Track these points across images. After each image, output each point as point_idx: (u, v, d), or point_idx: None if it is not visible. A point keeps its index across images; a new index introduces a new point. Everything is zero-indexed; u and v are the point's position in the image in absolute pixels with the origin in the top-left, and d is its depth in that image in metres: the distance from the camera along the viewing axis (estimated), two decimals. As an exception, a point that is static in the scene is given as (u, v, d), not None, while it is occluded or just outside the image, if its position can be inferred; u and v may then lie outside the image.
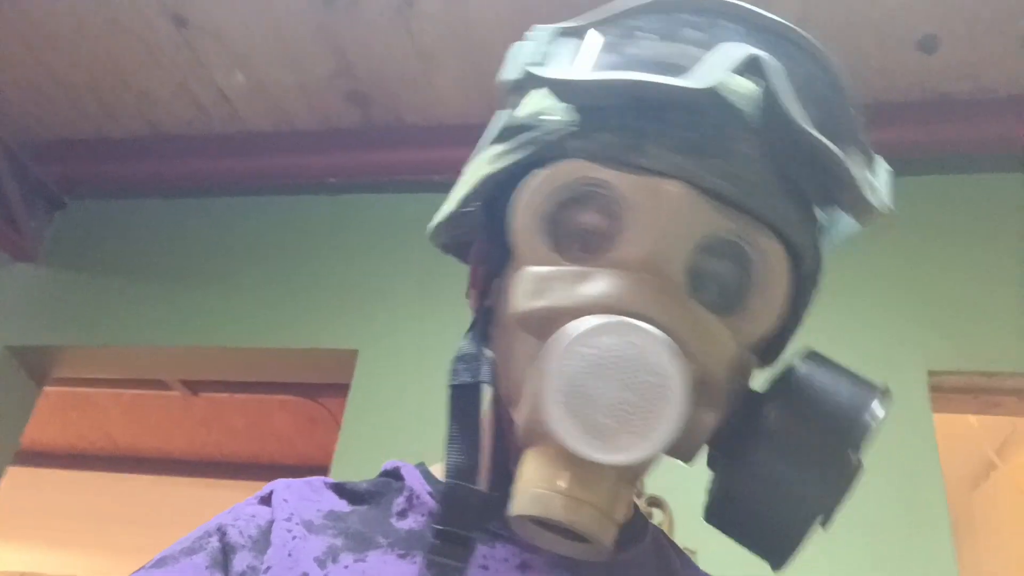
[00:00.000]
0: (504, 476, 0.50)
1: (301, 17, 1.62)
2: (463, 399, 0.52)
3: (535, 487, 0.43)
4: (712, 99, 0.47)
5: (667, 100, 0.47)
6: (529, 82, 0.51)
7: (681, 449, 0.48)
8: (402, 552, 0.51)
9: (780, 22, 0.52)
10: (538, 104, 0.53)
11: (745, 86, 0.49)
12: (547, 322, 0.45)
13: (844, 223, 0.55)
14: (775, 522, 0.46)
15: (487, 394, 0.52)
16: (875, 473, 1.34)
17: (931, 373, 1.44)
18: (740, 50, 0.47)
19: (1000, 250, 1.54)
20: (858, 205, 0.50)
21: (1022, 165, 1.61)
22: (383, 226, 1.85)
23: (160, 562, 0.51)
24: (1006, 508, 2.31)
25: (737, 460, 0.47)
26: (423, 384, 1.61)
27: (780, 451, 0.46)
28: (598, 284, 0.45)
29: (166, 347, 1.84)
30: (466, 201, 0.54)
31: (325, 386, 2.63)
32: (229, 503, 0.58)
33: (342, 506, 0.56)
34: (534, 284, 0.47)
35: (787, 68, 0.50)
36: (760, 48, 0.48)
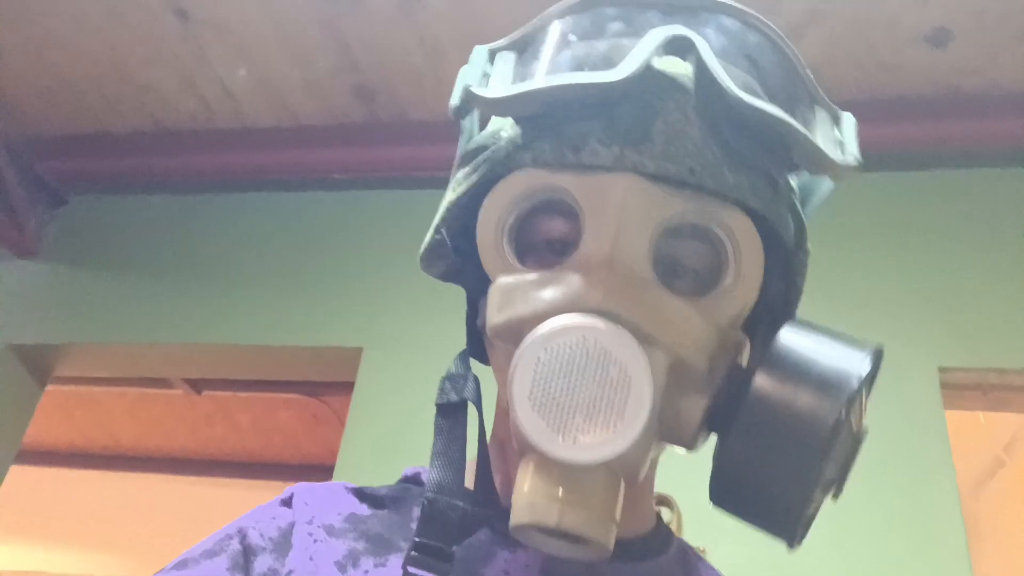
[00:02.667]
0: (492, 491, 0.52)
1: (305, 11, 1.61)
2: (449, 416, 0.52)
3: (527, 496, 0.43)
4: (639, 86, 0.47)
5: (599, 96, 0.47)
6: (469, 103, 0.51)
7: (676, 436, 0.48)
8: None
9: None
10: (496, 123, 0.54)
11: (678, 66, 0.49)
12: (516, 332, 0.46)
13: (822, 182, 0.55)
14: (770, 493, 0.44)
15: (473, 411, 0.53)
16: (887, 470, 1.34)
17: (941, 369, 1.43)
18: (663, 32, 0.47)
19: (1010, 245, 1.53)
20: (815, 162, 0.49)
21: (1034, 160, 1.60)
22: (388, 222, 1.84)
23: (181, 564, 0.50)
24: (1013, 507, 2.30)
25: (726, 436, 0.45)
26: (428, 382, 1.58)
27: (762, 420, 0.44)
28: (558, 287, 0.46)
29: (169, 344, 1.82)
30: (439, 230, 0.55)
31: (329, 384, 2.62)
32: (232, 501, 0.57)
33: (362, 510, 0.56)
34: (501, 296, 0.48)
35: (722, 41, 0.50)
36: (689, 26, 0.48)
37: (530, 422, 0.42)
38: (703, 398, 0.47)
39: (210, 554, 0.51)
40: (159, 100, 1.86)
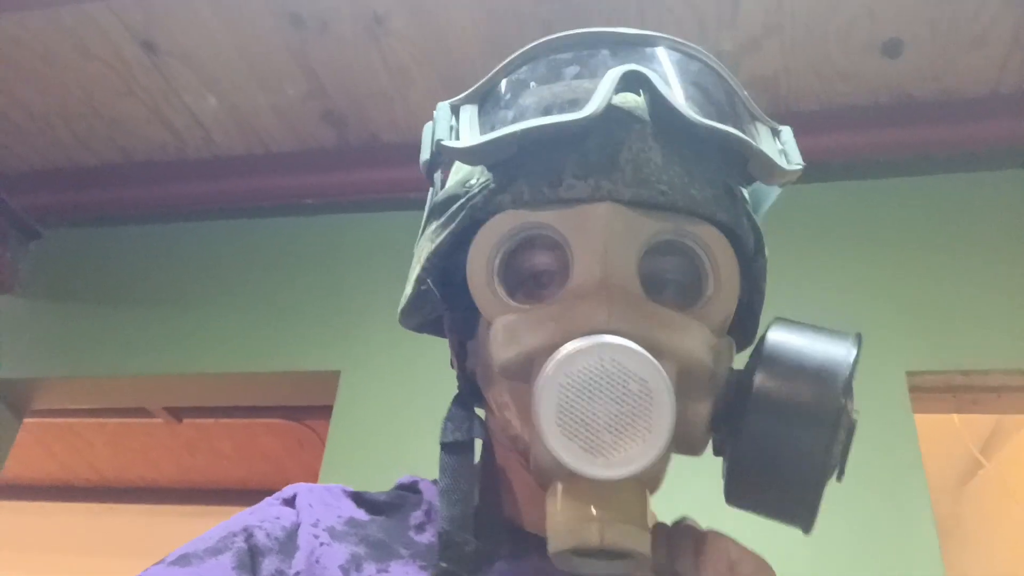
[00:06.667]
0: (499, 524, 0.54)
1: (270, 39, 1.63)
2: (454, 454, 0.54)
3: (563, 522, 0.44)
4: (602, 122, 0.50)
5: (567, 135, 0.51)
6: (441, 156, 0.55)
7: (686, 443, 0.50)
8: (423, 564, 0.52)
9: (646, 34, 0.57)
10: (462, 173, 0.57)
11: (632, 100, 0.53)
12: (527, 366, 0.48)
13: (768, 190, 0.59)
14: (788, 483, 0.47)
15: (477, 449, 0.55)
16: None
17: (909, 374, 1.45)
18: (618, 70, 0.51)
19: (972, 248, 1.55)
20: (768, 171, 0.53)
21: (987, 164, 1.63)
22: (362, 245, 1.85)
23: (182, 559, 0.50)
24: (992, 506, 2.32)
25: (735, 436, 0.48)
26: (406, 404, 1.60)
27: (770, 413, 0.47)
28: (562, 316, 0.48)
29: (147, 375, 1.82)
30: (420, 281, 0.57)
31: (311, 407, 2.62)
32: None
33: (360, 515, 0.57)
34: (504, 334, 0.50)
35: (669, 71, 0.55)
36: (637, 62, 0.53)
37: (563, 447, 0.43)
38: (707, 403, 0.50)
39: (214, 551, 0.50)
40: (129, 132, 1.87)
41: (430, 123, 0.57)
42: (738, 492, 0.50)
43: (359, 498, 0.59)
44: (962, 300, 1.51)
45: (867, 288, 1.55)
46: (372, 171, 1.83)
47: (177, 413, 2.65)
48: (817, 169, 1.69)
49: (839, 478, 0.50)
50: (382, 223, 1.86)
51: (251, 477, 3.25)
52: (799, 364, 0.48)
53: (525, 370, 0.48)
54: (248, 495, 3.27)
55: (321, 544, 0.52)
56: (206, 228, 1.97)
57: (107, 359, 1.85)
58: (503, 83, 0.58)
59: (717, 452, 0.53)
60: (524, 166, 0.52)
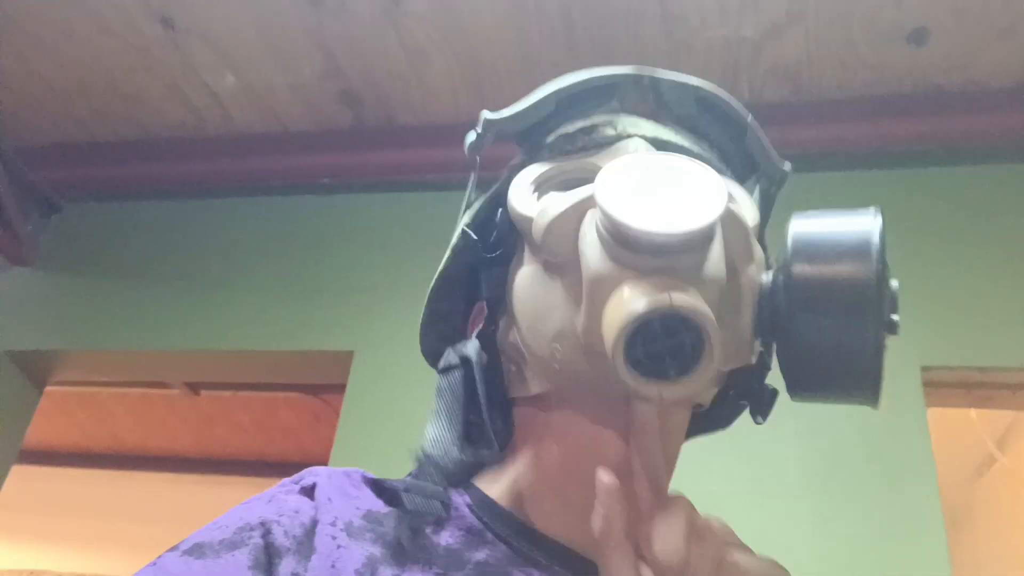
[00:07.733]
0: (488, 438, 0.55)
1: (288, 18, 1.62)
2: (448, 377, 0.57)
3: (628, 298, 0.42)
4: (638, 82, 0.59)
5: (598, 95, 0.59)
6: (487, 132, 0.60)
7: (734, 353, 0.52)
8: (440, 571, 0.51)
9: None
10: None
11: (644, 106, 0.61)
12: (573, 180, 0.56)
13: (770, 205, 0.65)
14: (848, 362, 0.48)
15: (482, 394, 0.55)
16: (869, 469, 1.35)
17: (924, 369, 1.44)
18: (631, 68, 0.60)
19: (991, 243, 1.53)
20: (757, 144, 0.61)
21: (1013, 157, 1.60)
22: (376, 226, 1.85)
23: (197, 550, 0.49)
24: (1007, 500, 2.31)
25: (784, 330, 0.50)
26: (419, 385, 1.60)
27: (815, 300, 0.49)
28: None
29: (164, 350, 1.84)
30: (455, 252, 0.60)
31: (326, 384, 2.64)
32: (235, 499, 0.54)
33: (379, 506, 0.55)
34: (528, 187, 0.56)
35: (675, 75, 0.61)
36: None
37: (631, 214, 0.45)
38: (744, 317, 0.52)
39: (230, 545, 0.49)
40: (147, 108, 1.87)
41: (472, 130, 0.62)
42: (801, 385, 0.51)
43: (379, 487, 0.57)
44: (981, 296, 1.48)
45: (884, 281, 1.53)
46: (388, 152, 1.82)
47: (195, 385, 2.68)
48: (838, 158, 1.67)
49: (895, 331, 0.50)
50: (397, 205, 1.86)
51: (268, 449, 3.29)
52: (830, 244, 0.50)
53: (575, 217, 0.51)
54: (265, 467, 3.33)
55: (339, 547, 0.50)
56: (223, 205, 1.97)
57: (126, 333, 1.87)
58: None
59: (767, 361, 0.56)
60: (558, 128, 0.60)
